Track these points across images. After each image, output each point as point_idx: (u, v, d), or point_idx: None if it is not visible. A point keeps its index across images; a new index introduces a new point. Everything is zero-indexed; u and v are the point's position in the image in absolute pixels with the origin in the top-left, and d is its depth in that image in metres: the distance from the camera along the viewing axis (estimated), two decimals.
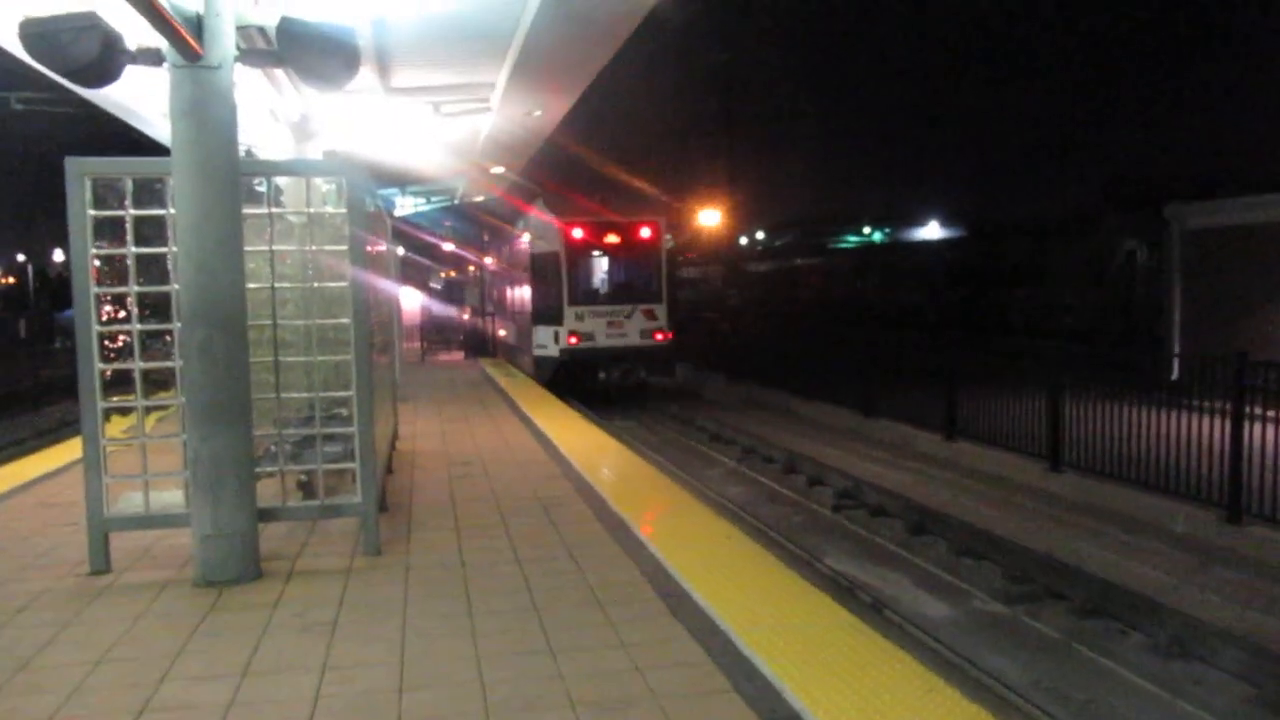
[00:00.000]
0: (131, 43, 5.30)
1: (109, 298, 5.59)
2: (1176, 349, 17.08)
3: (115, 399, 5.59)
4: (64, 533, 6.46)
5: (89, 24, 5.08)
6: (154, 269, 5.63)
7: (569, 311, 18.85)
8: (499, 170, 19.85)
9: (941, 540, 9.37)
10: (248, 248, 5.55)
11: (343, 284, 5.87)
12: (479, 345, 28.95)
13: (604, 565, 5.63)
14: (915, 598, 8.10)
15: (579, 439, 10.52)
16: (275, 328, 5.85)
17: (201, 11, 5.07)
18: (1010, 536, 9.05)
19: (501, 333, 24.67)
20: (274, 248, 5.84)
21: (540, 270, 19.73)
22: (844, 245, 57.63)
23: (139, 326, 5.56)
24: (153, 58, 5.28)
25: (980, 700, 3.86)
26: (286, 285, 5.92)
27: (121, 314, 5.61)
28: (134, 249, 5.53)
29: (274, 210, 5.85)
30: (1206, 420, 8.88)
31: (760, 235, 69.75)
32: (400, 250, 21.72)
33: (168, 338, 5.57)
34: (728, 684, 3.93)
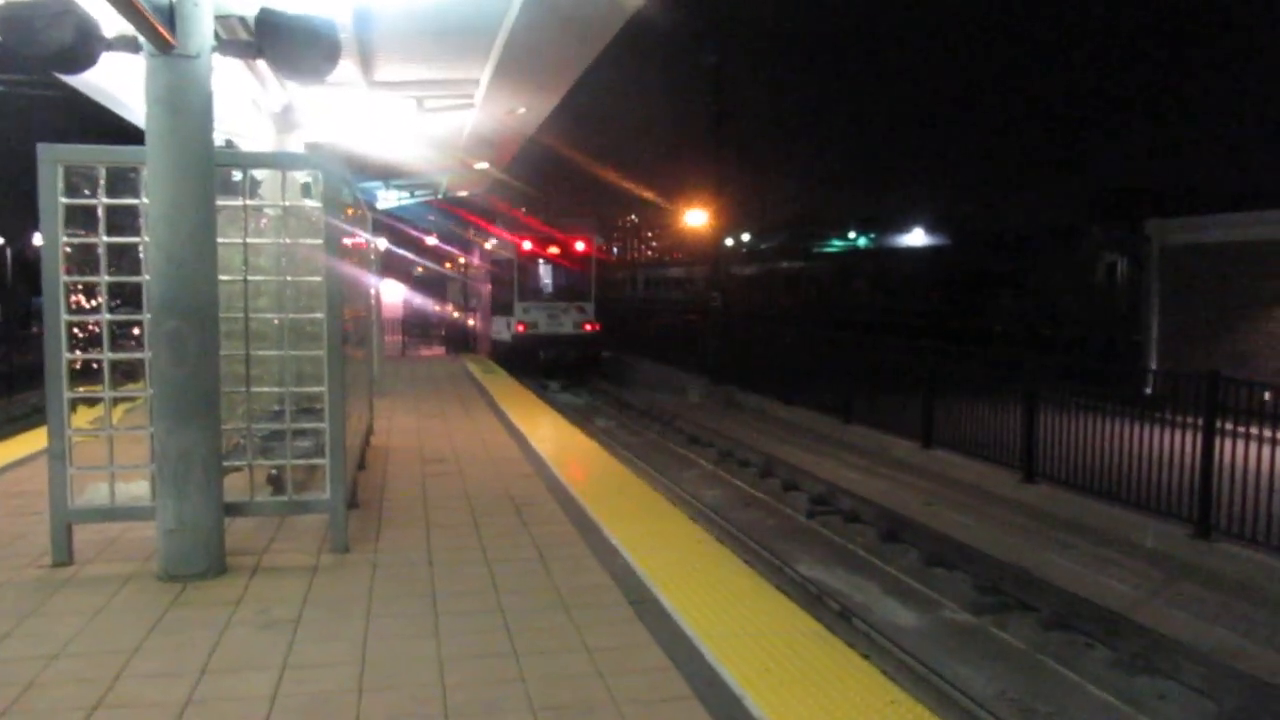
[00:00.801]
0: (109, 29, 5.24)
1: (80, 287, 5.53)
2: (1153, 363, 17.20)
3: (83, 389, 5.53)
4: (28, 522, 6.38)
5: (64, 9, 5.01)
6: (126, 259, 5.58)
7: (518, 306, 24.07)
8: (483, 166, 19.80)
9: (913, 548, 9.40)
10: (221, 239, 5.51)
11: (317, 278, 5.83)
12: (461, 340, 28.86)
13: (573, 567, 5.61)
14: (885, 606, 8.12)
15: (556, 438, 10.49)
16: (248, 321, 5.80)
17: (174, 1, 5.01)
18: (981, 546, 9.10)
19: (470, 321, 29.25)
20: (248, 240, 5.79)
21: (498, 272, 25.13)
22: (829, 249, 57.79)
23: (109, 316, 5.51)
24: (130, 45, 5.22)
25: (943, 712, 3.87)
26: (260, 278, 5.87)
27: (92, 303, 5.55)
28: (106, 238, 5.48)
29: (249, 202, 5.81)
30: (1179, 435, 8.94)
31: (746, 238, 69.93)
32: (383, 244, 21.67)
33: (135, 330, 5.52)
34: (689, 690, 3.92)
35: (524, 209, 28.08)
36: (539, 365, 23.36)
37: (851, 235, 70.80)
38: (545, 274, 24.83)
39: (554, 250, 24.71)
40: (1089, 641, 7.10)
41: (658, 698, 3.88)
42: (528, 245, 24.49)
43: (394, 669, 4.12)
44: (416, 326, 30.14)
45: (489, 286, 25.94)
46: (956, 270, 30.88)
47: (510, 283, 24.33)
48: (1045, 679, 6.70)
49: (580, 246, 24.93)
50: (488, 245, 26.56)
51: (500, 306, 24.62)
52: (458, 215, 31.46)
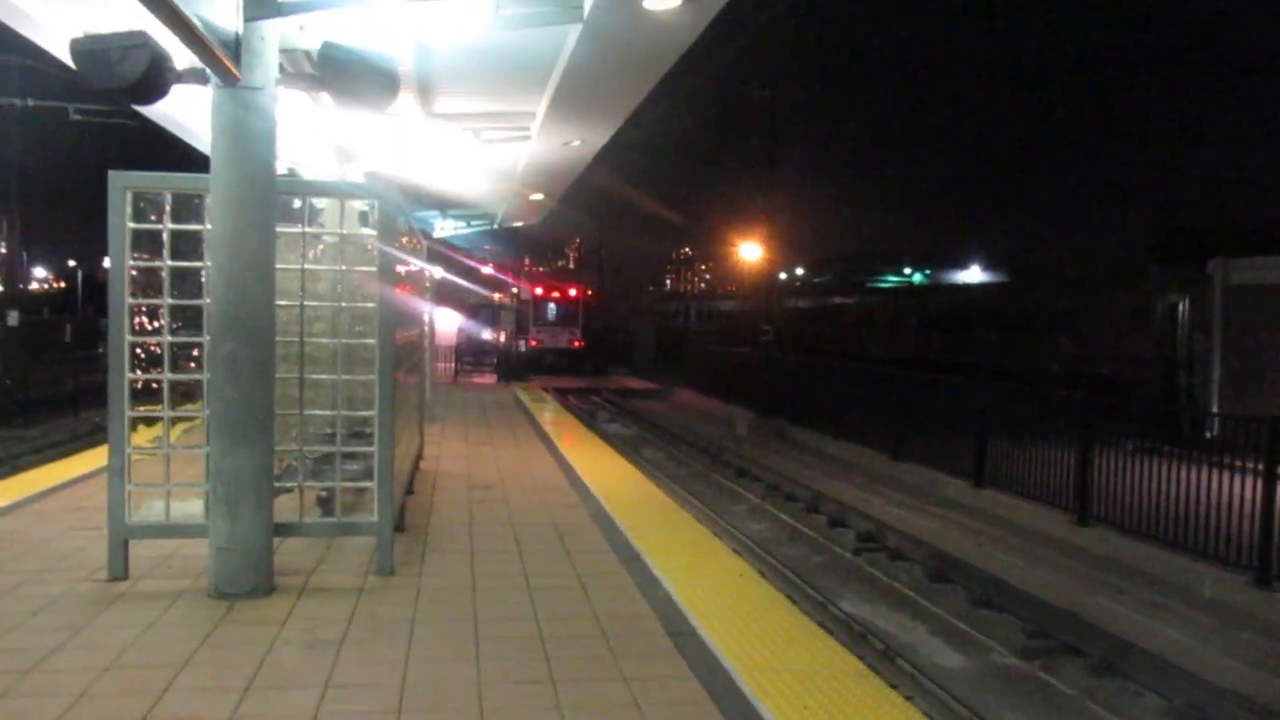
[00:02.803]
0: (181, 62, 5.43)
1: (143, 309, 5.71)
2: (1214, 406, 16.79)
3: (143, 408, 5.69)
4: (86, 537, 6.56)
5: (138, 43, 5.20)
6: (189, 283, 5.75)
7: (532, 329, 37.44)
8: (538, 197, 20.03)
9: (961, 589, 9.24)
10: (280, 265, 5.66)
11: (371, 304, 5.95)
12: (514, 368, 29.09)
13: (614, 596, 5.62)
14: (930, 646, 8.00)
15: (602, 468, 10.51)
16: (303, 345, 5.94)
17: (240, 35, 5.19)
18: (1031, 589, 8.92)
19: (502, 338, 39.33)
20: (306, 266, 5.94)
21: (521, 307, 38.06)
22: (882, 284, 57.40)
23: (170, 339, 5.67)
24: (200, 77, 5.40)
25: None
26: (316, 303, 6.01)
27: (154, 325, 5.73)
28: (170, 262, 5.66)
29: (308, 229, 5.96)
30: (1240, 481, 8.72)
31: (800, 271, 69.78)
32: (439, 272, 22.02)
33: (195, 351, 5.68)
34: None
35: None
36: (544, 367, 35.06)
37: (907, 271, 70.29)
38: (549, 309, 38.39)
39: (555, 294, 39.03)
40: (1140, 689, 6.92)
41: None
42: (539, 290, 39.03)
43: (433, 692, 4.17)
44: (469, 354, 30.70)
45: (516, 315, 38.26)
46: (1013, 308, 30.42)
47: (527, 313, 37.64)
48: None
49: (573, 292, 39.49)
50: (514, 289, 40.32)
51: (521, 329, 37.17)
52: (492, 265, 43.38)
